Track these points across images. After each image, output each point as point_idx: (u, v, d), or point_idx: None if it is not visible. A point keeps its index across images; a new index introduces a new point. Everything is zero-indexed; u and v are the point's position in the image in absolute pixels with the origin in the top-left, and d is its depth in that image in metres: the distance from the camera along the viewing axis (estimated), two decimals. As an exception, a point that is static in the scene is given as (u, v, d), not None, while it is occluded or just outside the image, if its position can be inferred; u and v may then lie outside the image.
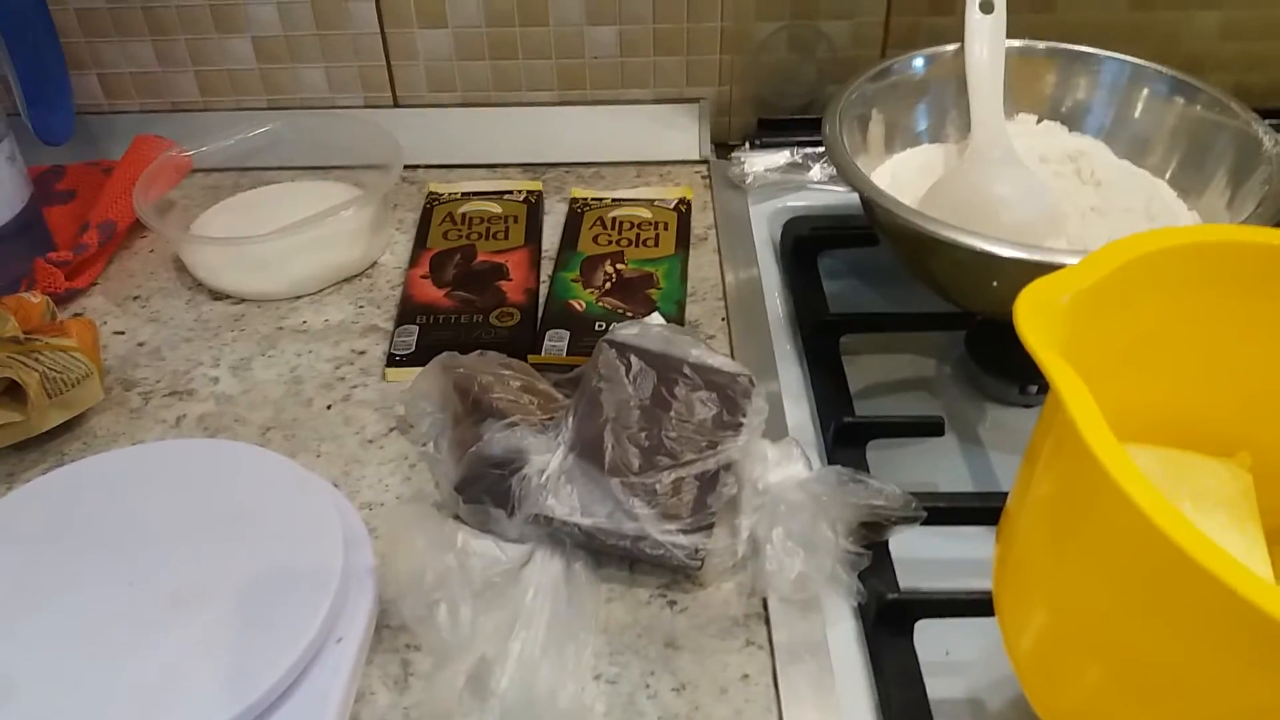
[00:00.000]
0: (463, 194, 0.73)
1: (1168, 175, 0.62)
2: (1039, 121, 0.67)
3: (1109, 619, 0.34)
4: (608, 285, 0.64)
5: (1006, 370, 0.59)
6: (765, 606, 0.46)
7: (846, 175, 0.57)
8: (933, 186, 0.61)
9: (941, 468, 0.56)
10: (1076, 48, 0.64)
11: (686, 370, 0.52)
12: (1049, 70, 0.65)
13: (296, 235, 0.62)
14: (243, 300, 0.65)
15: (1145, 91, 0.63)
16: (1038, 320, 0.34)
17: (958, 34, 0.65)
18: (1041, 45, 0.64)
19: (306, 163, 0.73)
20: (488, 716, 0.41)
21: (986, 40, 0.64)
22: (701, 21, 0.75)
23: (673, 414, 0.50)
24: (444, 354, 0.55)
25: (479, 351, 0.56)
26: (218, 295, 0.66)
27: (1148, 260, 0.38)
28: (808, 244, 0.68)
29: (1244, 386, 0.42)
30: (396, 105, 0.79)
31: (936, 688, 0.44)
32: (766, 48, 0.76)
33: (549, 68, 0.77)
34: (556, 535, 0.48)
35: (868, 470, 0.50)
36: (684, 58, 0.77)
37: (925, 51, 0.64)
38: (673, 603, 0.47)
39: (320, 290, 0.66)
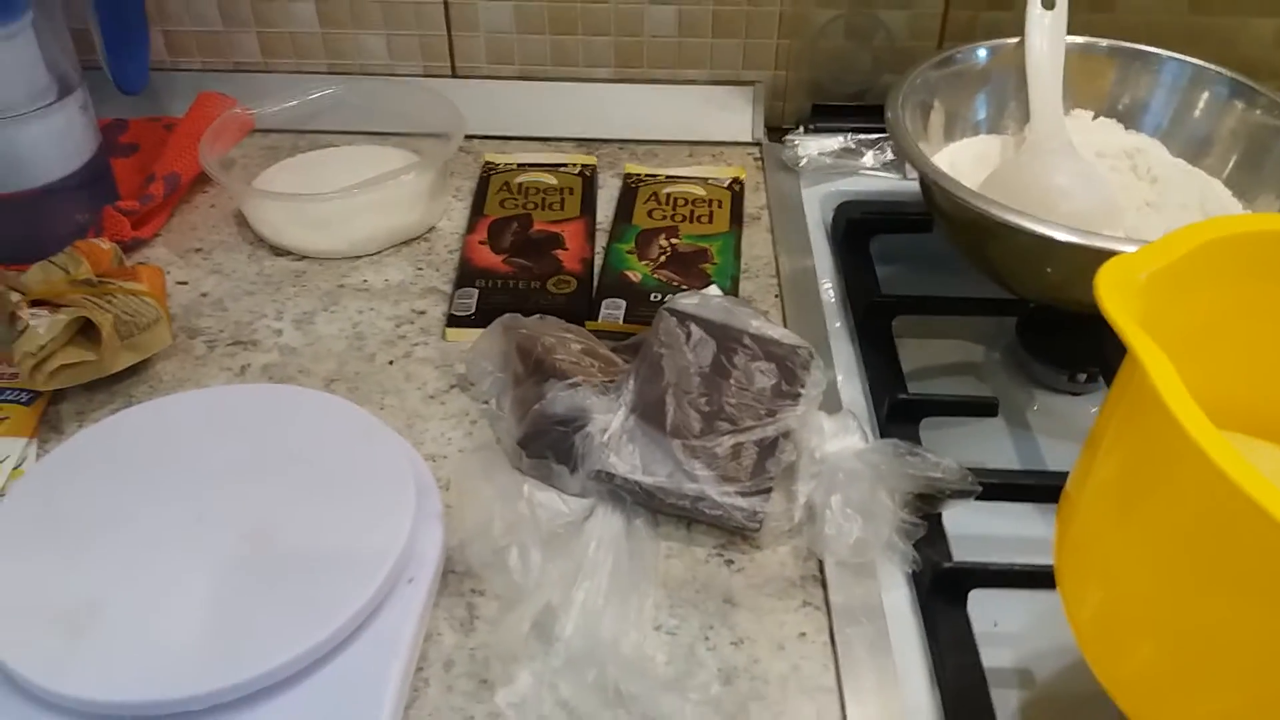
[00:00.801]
0: (519, 165, 0.73)
1: (1224, 176, 0.62)
2: (1095, 118, 0.67)
3: (1177, 588, 0.34)
4: (662, 258, 0.65)
5: (1056, 358, 0.60)
6: (821, 570, 0.47)
7: (908, 156, 0.58)
8: (991, 174, 0.62)
9: (990, 449, 0.57)
10: (1138, 46, 0.65)
11: (747, 340, 0.53)
12: (1108, 68, 0.66)
13: (359, 196, 0.64)
14: (304, 258, 0.66)
15: (1205, 93, 0.63)
16: (1118, 294, 0.35)
17: (1015, 29, 0.65)
18: (1104, 43, 0.65)
19: (366, 128, 0.74)
20: (553, 660, 0.42)
21: (1047, 34, 0.65)
22: (761, 5, 0.76)
23: (732, 382, 0.51)
24: (506, 315, 0.56)
25: (539, 315, 0.57)
26: (279, 252, 0.67)
27: (1223, 244, 0.39)
28: (860, 227, 0.69)
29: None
30: (455, 75, 0.80)
31: (986, 657, 0.45)
32: (824, 34, 0.76)
33: (607, 44, 0.78)
34: (617, 493, 0.49)
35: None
36: (741, 40, 0.78)
37: (988, 43, 0.65)
38: (730, 562, 0.48)
39: (380, 251, 0.67)
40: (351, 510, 0.44)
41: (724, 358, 0.52)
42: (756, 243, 0.68)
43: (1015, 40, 0.65)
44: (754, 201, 0.72)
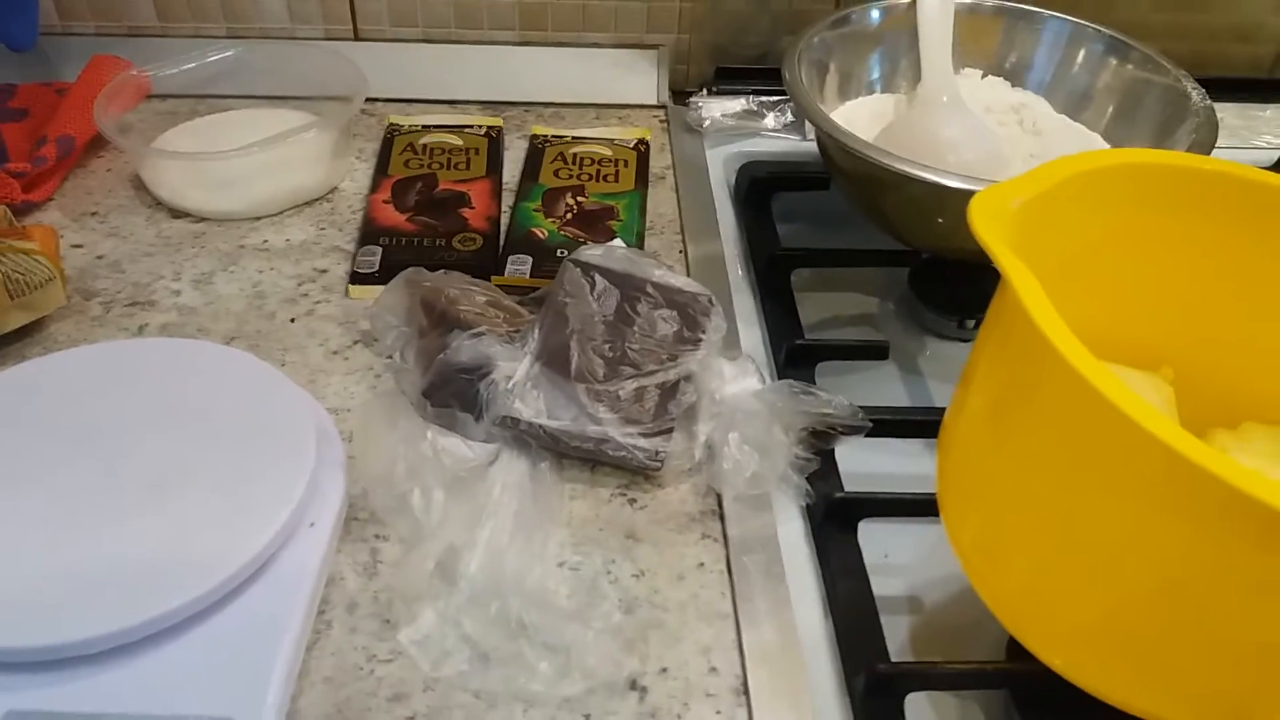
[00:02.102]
0: (423, 126, 0.73)
1: (1102, 129, 0.65)
2: (984, 76, 0.70)
3: (1052, 495, 0.36)
4: (569, 216, 0.65)
5: (947, 306, 0.62)
6: (720, 505, 0.48)
7: (805, 111, 0.59)
8: (884, 129, 0.64)
9: (884, 392, 0.59)
10: (1022, 6, 0.68)
11: (649, 289, 0.54)
12: (995, 27, 0.68)
13: (258, 155, 0.63)
14: (203, 220, 0.65)
15: (1083, 50, 0.66)
16: (991, 219, 0.37)
17: (910, -9, 0.68)
18: (990, 3, 0.67)
19: (267, 91, 0.73)
20: (457, 597, 0.43)
21: (936, -5, 0.67)
22: (664, -33, 0.77)
23: (635, 329, 0.52)
24: (410, 270, 0.56)
25: (444, 270, 0.57)
26: (177, 214, 0.66)
27: (1090, 176, 0.41)
28: (762, 186, 0.70)
29: (1169, 304, 0.45)
30: (358, 38, 0.80)
31: (877, 585, 0.47)
32: (725, -4, 0.78)
33: (511, 7, 0.79)
34: (522, 438, 0.49)
35: (816, 389, 0.53)
36: (645, 3, 0.79)
37: (881, 4, 0.67)
38: (633, 500, 0.49)
39: (281, 212, 0.66)
40: (252, 458, 0.44)
41: (627, 306, 0.53)
42: (661, 201, 0.69)
43: (908, 1, 0.67)
44: (659, 162, 0.73)
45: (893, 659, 0.44)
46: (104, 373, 0.48)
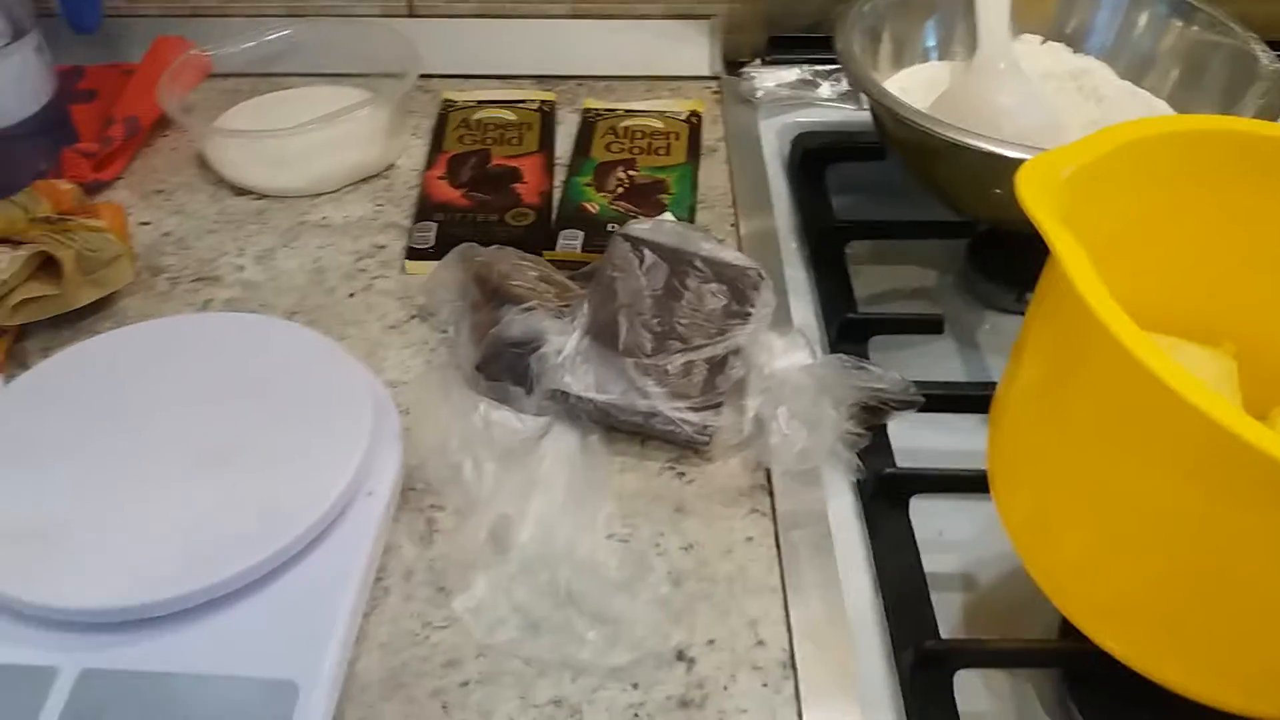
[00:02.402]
0: (478, 102, 0.74)
1: (1166, 94, 0.63)
2: (1044, 42, 0.68)
3: (1099, 470, 0.36)
4: (620, 190, 0.65)
5: (1005, 278, 0.61)
6: (769, 479, 0.49)
7: (859, 82, 0.59)
8: (939, 97, 0.63)
9: (940, 367, 0.58)
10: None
11: (698, 263, 0.54)
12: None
13: (316, 132, 0.64)
14: (264, 197, 0.67)
15: (1146, 12, 0.64)
16: (1040, 189, 0.36)
17: (968, -44, 0.66)
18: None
19: (325, 69, 0.74)
20: (509, 566, 0.44)
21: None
22: (715, -64, 0.76)
23: (684, 303, 0.53)
24: (463, 245, 0.57)
25: (497, 245, 0.58)
26: (239, 191, 0.67)
27: (1146, 144, 0.40)
28: (816, 157, 0.70)
29: (1232, 278, 0.44)
30: (412, 15, 0.81)
31: (931, 563, 0.47)
32: (779, -35, 0.77)
33: (563, -19, 0.79)
34: (572, 411, 0.50)
35: (869, 364, 0.53)
36: (697, -26, 0.78)
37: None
38: (681, 474, 0.49)
39: (339, 189, 0.67)
40: (310, 428, 0.45)
41: (676, 280, 0.54)
42: (714, 174, 0.69)
43: None
44: (712, 134, 0.73)
45: (944, 636, 0.44)
46: (168, 347, 0.50)
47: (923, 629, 0.43)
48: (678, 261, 0.54)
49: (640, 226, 0.57)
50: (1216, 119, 0.42)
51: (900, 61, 0.66)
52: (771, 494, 0.48)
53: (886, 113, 0.57)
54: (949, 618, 0.46)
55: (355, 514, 0.43)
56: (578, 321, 0.52)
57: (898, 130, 0.59)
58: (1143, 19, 0.64)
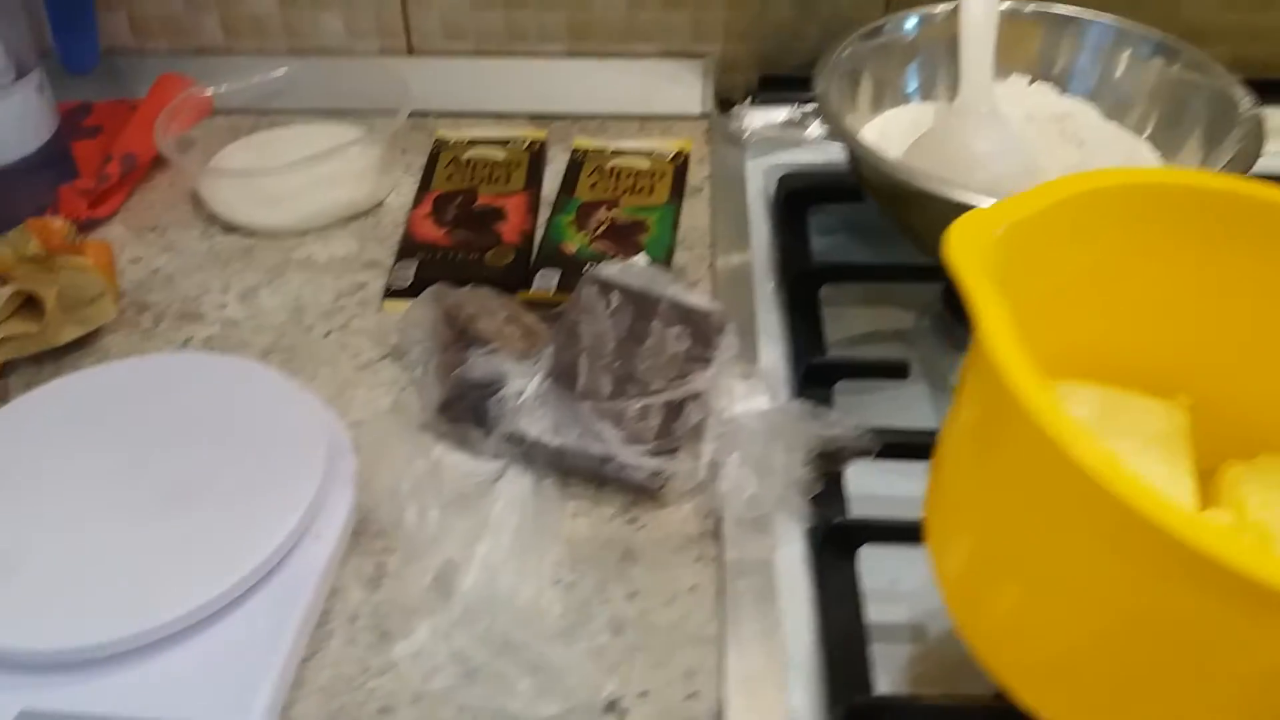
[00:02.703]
0: (469, 140, 0.75)
1: (1147, 134, 0.63)
2: (1031, 83, 0.68)
3: (1024, 539, 0.36)
4: (600, 230, 0.66)
5: (980, 322, 0.61)
6: (721, 526, 0.49)
7: (833, 128, 0.59)
8: (915, 141, 0.63)
9: (910, 411, 0.58)
10: (1062, 10, 0.66)
11: (663, 307, 0.55)
12: (1038, 32, 0.66)
13: (304, 170, 0.66)
14: (254, 234, 0.68)
15: (1128, 53, 0.64)
16: (969, 248, 0.36)
17: (957, -5, 0.66)
18: (1028, 8, 0.65)
19: (323, 107, 0.76)
20: (451, 612, 0.44)
21: (983, 1, 0.65)
22: (707, -22, 0.77)
23: (646, 347, 0.53)
24: (436, 286, 0.58)
25: (471, 285, 0.59)
26: (231, 228, 0.69)
27: (1087, 198, 0.40)
28: (799, 198, 0.70)
29: (1186, 330, 0.44)
30: (411, 53, 0.82)
31: (881, 612, 0.46)
32: (771, 6, 0.77)
33: (559, 19, 0.80)
34: (529, 454, 0.50)
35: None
36: (691, 13, 0.79)
37: (918, 11, 0.66)
38: (633, 520, 0.49)
39: (327, 226, 0.69)
40: (263, 472, 0.46)
41: (640, 323, 0.54)
42: (696, 213, 0.70)
43: (945, 8, 0.66)
44: (698, 173, 0.73)
45: (889, 689, 0.44)
46: (135, 388, 0.51)
47: (857, 684, 0.42)
48: (644, 304, 0.55)
49: (609, 269, 0.57)
50: (1153, 172, 0.42)
51: (881, 105, 0.67)
52: (721, 541, 0.48)
53: (859, 159, 0.57)
54: (895, 670, 0.45)
55: (300, 558, 0.44)
56: (539, 364, 0.52)
57: (871, 176, 0.59)
58: (1125, 59, 0.64)
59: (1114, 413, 0.43)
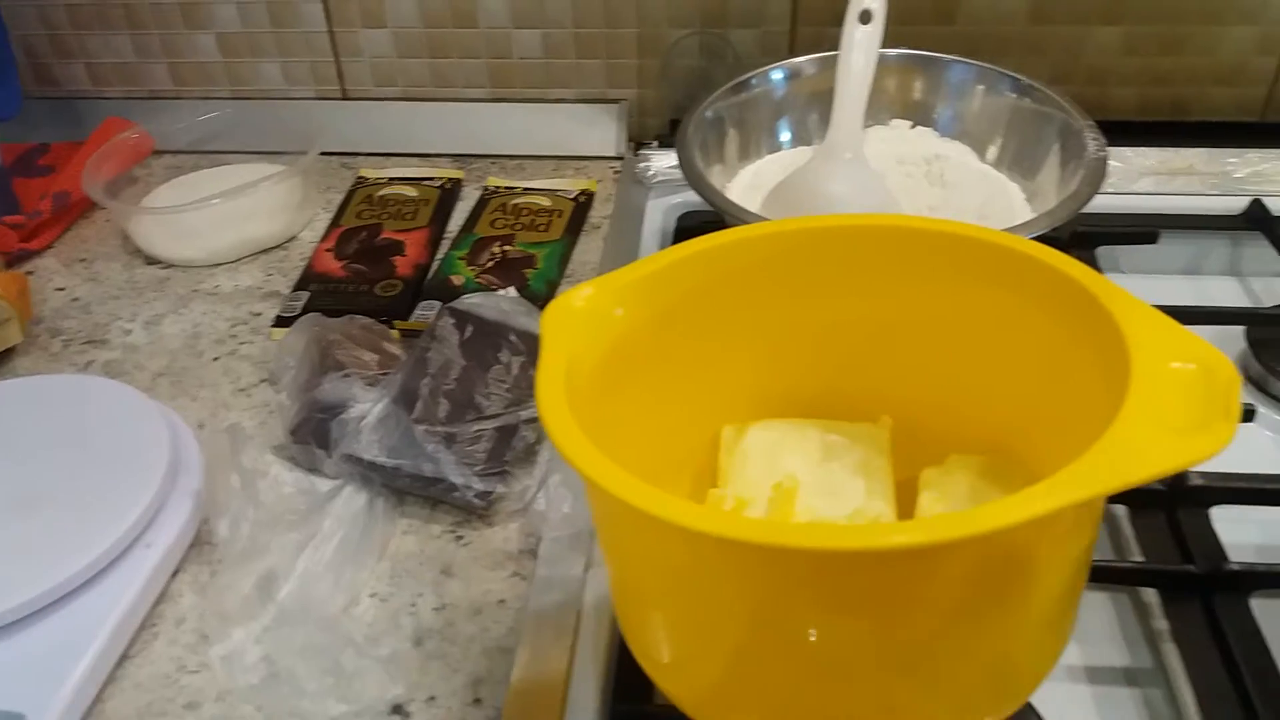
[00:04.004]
0: (389, 179, 0.79)
1: (1009, 171, 0.65)
2: (913, 127, 0.70)
3: (636, 570, 0.38)
4: (490, 264, 0.69)
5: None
6: (540, 544, 0.51)
7: (688, 177, 0.62)
8: (775, 187, 0.65)
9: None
10: (930, 54, 0.68)
11: (513, 337, 0.57)
12: (913, 77, 0.69)
13: (217, 207, 0.70)
14: (172, 266, 0.73)
15: (993, 95, 0.66)
16: (556, 324, 0.37)
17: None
18: (893, 53, 0.68)
19: (259, 147, 0.81)
20: (264, 618, 0.47)
21: (861, 49, 0.68)
22: (619, 27, 0.80)
23: (491, 374, 0.56)
24: (311, 315, 0.61)
25: (349, 316, 0.62)
26: (152, 261, 0.73)
27: (710, 253, 0.42)
28: (693, 234, 0.72)
29: (884, 357, 0.44)
30: (345, 98, 0.86)
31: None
32: (678, 53, 0.80)
33: (481, 66, 0.84)
34: (368, 474, 0.53)
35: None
36: (604, 61, 0.82)
37: (784, 64, 0.69)
38: (460, 537, 0.52)
39: (239, 259, 0.73)
40: (105, 483, 0.50)
41: (490, 352, 0.57)
42: (591, 249, 0.73)
43: (810, 58, 0.69)
44: (601, 212, 0.76)
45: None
46: (13, 404, 0.55)
47: (635, 696, 0.44)
48: (495, 334, 0.58)
49: (471, 300, 0.60)
50: (756, 226, 0.43)
51: (754, 153, 0.70)
52: (537, 558, 0.50)
53: (714, 204, 0.60)
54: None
55: (128, 564, 0.47)
56: (386, 389, 0.55)
57: (730, 220, 0.62)
58: (986, 100, 0.66)
59: (821, 439, 0.44)
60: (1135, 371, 0.32)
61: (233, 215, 0.71)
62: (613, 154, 0.82)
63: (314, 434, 0.54)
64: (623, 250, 0.72)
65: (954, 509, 0.41)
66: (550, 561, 0.50)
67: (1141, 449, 0.30)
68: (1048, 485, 0.29)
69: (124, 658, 0.47)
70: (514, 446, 0.53)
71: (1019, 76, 0.65)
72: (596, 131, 0.83)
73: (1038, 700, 0.41)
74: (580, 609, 0.48)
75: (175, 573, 0.50)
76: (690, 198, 0.77)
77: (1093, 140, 0.60)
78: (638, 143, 0.83)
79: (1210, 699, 0.43)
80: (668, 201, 0.77)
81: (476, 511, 0.52)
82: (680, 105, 0.83)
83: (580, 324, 0.38)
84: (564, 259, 0.70)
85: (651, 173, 0.78)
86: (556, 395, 0.34)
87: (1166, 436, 0.30)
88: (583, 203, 0.76)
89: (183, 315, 0.68)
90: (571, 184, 0.77)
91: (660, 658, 0.39)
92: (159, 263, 0.73)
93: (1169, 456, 0.30)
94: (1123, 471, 0.29)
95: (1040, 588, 0.35)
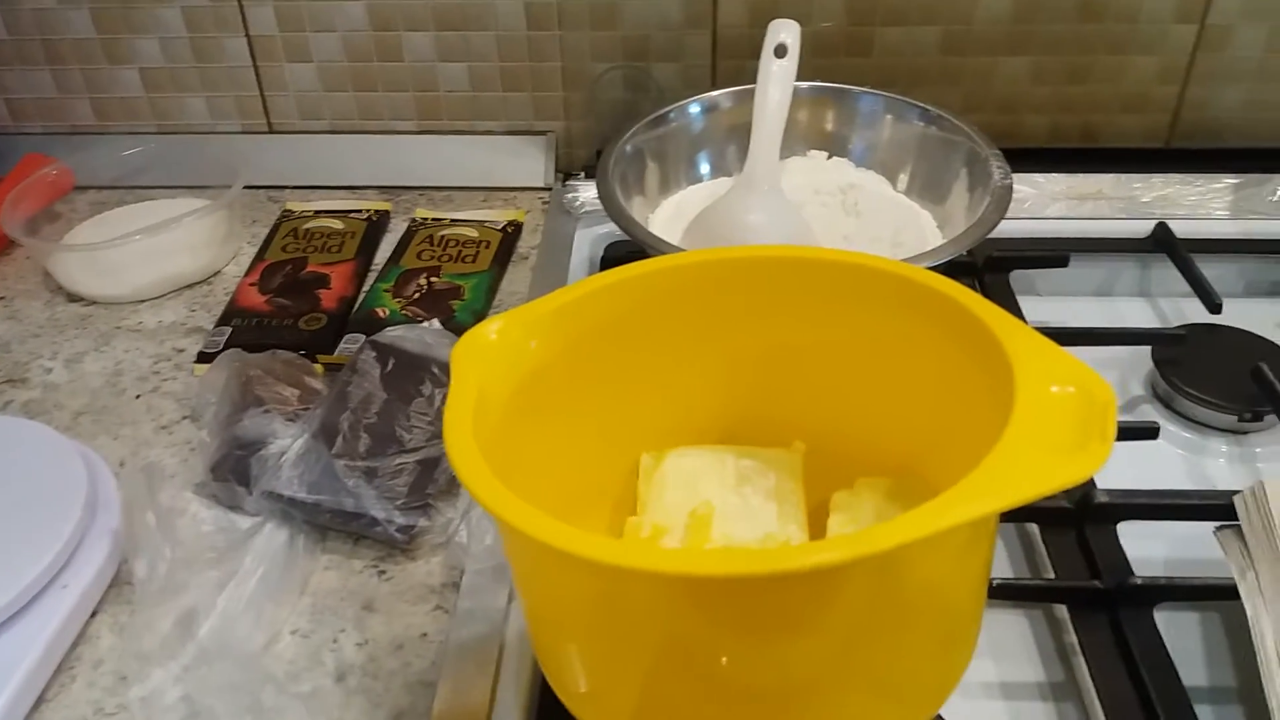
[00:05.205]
0: (314, 212, 0.79)
1: (921, 198, 0.67)
2: (829, 158, 0.72)
3: (547, 603, 0.38)
4: (416, 295, 0.69)
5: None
6: (462, 577, 0.51)
7: (608, 209, 0.63)
8: (695, 218, 0.66)
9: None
10: (838, 86, 0.70)
11: (435, 369, 0.58)
12: (826, 108, 0.71)
13: (138, 243, 0.69)
14: (94, 303, 0.72)
15: (902, 124, 0.68)
16: (468, 357, 0.38)
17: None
18: (806, 86, 0.69)
19: (182, 182, 0.80)
20: (184, 657, 0.47)
21: (777, 81, 0.70)
22: (543, 60, 0.81)
23: (413, 406, 0.56)
24: (231, 350, 0.61)
25: (272, 351, 0.62)
26: (74, 298, 0.73)
27: (618, 287, 0.43)
28: (621, 264, 0.73)
29: (796, 386, 0.45)
30: (272, 131, 0.86)
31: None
32: (602, 86, 0.82)
33: (408, 99, 0.84)
34: (287, 511, 0.53)
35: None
36: (530, 94, 0.83)
37: (702, 97, 0.71)
38: (382, 572, 0.52)
39: (163, 295, 0.72)
40: (26, 524, 0.49)
41: (412, 385, 0.57)
42: (518, 280, 0.73)
43: (727, 94, 0.71)
44: (529, 242, 0.77)
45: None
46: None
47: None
48: (418, 367, 0.58)
49: (394, 333, 0.60)
50: (668, 258, 0.44)
51: (674, 185, 0.71)
52: (459, 591, 0.50)
53: (632, 234, 0.61)
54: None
55: (44, 606, 0.47)
56: (307, 424, 0.55)
57: (648, 250, 0.63)
58: (895, 129, 0.68)
59: (735, 464, 0.45)
60: (1019, 395, 0.34)
61: (156, 251, 0.71)
62: (540, 185, 0.83)
63: (234, 471, 0.54)
64: (551, 280, 0.73)
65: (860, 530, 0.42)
66: (472, 594, 0.50)
67: (1022, 470, 0.31)
68: (932, 507, 0.30)
69: (40, 701, 0.46)
70: (436, 479, 0.53)
71: (926, 106, 0.68)
72: (524, 163, 0.84)
73: (955, 718, 0.42)
74: (503, 641, 0.48)
75: (94, 613, 0.50)
76: (617, 228, 0.78)
77: (998, 168, 0.62)
78: (565, 174, 0.84)
79: (1117, 710, 0.44)
80: (595, 231, 0.78)
81: (399, 546, 0.52)
82: (607, 137, 0.83)
83: (493, 357, 0.39)
84: (491, 290, 0.71)
85: (579, 203, 0.79)
86: (464, 431, 0.34)
87: (1046, 457, 0.32)
88: (511, 233, 0.76)
89: (105, 353, 0.67)
90: (499, 215, 0.78)
91: (576, 688, 0.39)
92: (81, 300, 0.72)
93: (1048, 477, 0.31)
94: (1003, 492, 0.31)
95: (938, 604, 0.36)
